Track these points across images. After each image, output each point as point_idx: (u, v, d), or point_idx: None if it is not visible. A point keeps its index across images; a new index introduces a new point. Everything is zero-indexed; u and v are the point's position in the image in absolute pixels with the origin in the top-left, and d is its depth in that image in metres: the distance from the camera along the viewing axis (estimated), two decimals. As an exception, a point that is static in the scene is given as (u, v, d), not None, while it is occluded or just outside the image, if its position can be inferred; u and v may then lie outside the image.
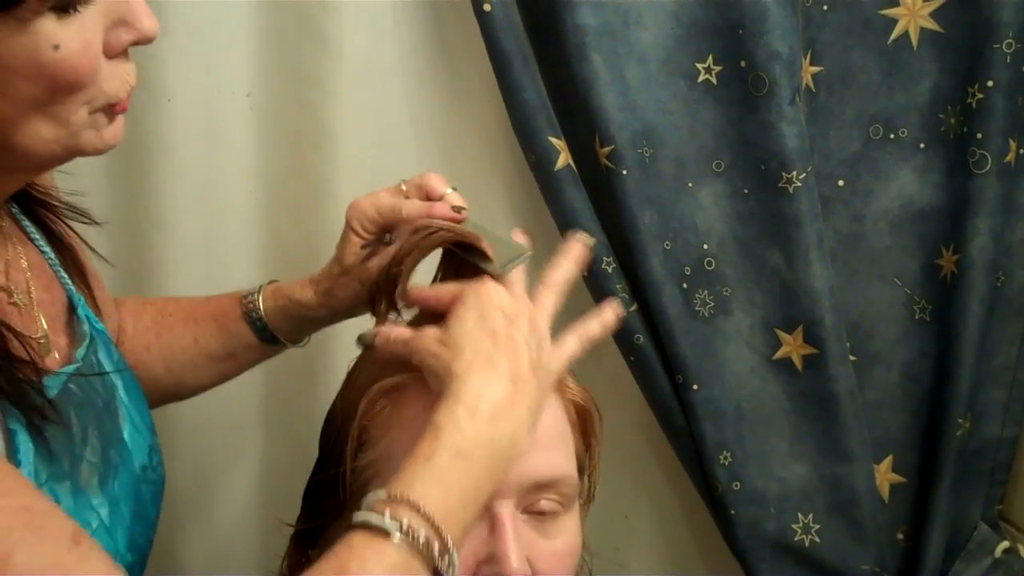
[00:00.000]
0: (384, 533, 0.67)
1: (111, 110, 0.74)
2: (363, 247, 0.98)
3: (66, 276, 0.88)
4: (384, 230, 0.98)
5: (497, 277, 0.86)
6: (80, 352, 0.86)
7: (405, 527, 0.68)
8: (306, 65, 1.23)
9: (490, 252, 0.87)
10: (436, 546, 0.69)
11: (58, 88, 0.68)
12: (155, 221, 1.25)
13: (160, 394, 1.06)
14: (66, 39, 0.66)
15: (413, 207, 0.94)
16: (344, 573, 0.66)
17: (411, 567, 0.68)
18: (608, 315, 0.91)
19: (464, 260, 0.89)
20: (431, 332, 0.82)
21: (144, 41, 0.73)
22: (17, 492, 0.62)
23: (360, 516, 0.70)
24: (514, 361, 0.79)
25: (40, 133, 0.70)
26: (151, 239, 1.26)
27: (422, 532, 0.68)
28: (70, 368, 0.83)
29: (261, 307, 1.04)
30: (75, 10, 0.66)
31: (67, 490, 0.77)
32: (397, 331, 0.86)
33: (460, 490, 0.73)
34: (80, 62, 0.68)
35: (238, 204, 1.27)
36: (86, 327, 0.89)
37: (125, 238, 1.26)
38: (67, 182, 1.19)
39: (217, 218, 1.27)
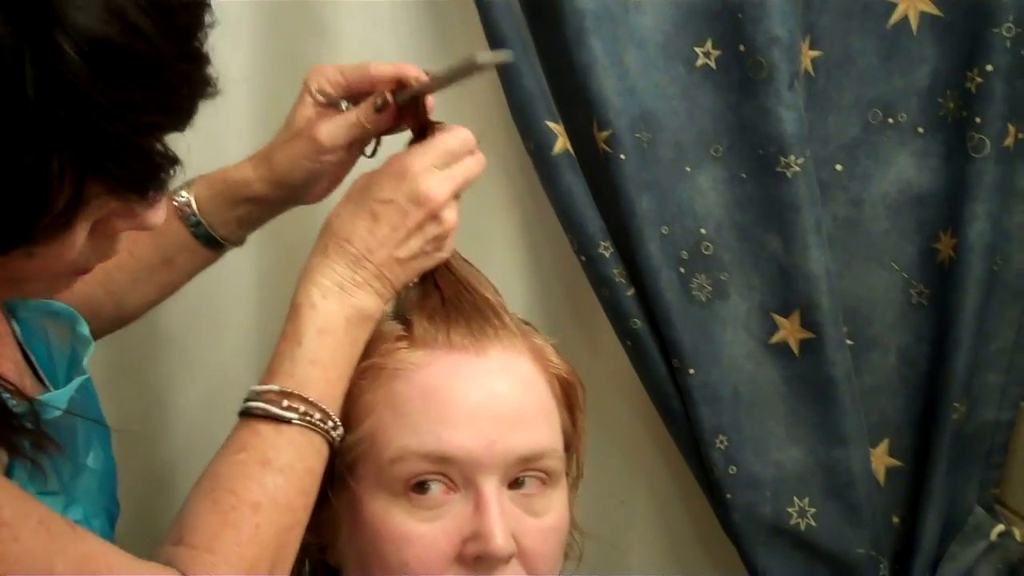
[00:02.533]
0: (285, 420, 0.80)
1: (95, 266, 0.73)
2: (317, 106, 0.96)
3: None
4: (347, 94, 0.95)
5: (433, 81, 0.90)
6: (84, 362, 0.86)
7: (301, 412, 0.80)
8: (303, 52, 1.22)
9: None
10: (328, 422, 0.82)
11: (35, 279, 0.68)
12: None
13: (103, 321, 0.99)
14: (40, 251, 0.63)
15: (382, 65, 0.93)
16: (268, 465, 0.78)
17: (312, 441, 0.81)
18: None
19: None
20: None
21: (142, 230, 0.71)
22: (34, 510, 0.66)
23: (259, 407, 0.81)
24: (383, 246, 0.86)
25: (31, 293, 0.76)
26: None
27: (316, 413, 0.81)
28: (80, 379, 0.83)
29: (192, 199, 0.97)
30: (68, 230, 0.63)
31: (60, 502, 0.78)
32: None
33: (332, 360, 0.83)
34: (58, 264, 0.66)
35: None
36: (84, 329, 0.88)
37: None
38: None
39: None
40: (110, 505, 0.89)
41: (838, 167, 1.25)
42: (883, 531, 1.31)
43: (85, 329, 0.88)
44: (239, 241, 1.03)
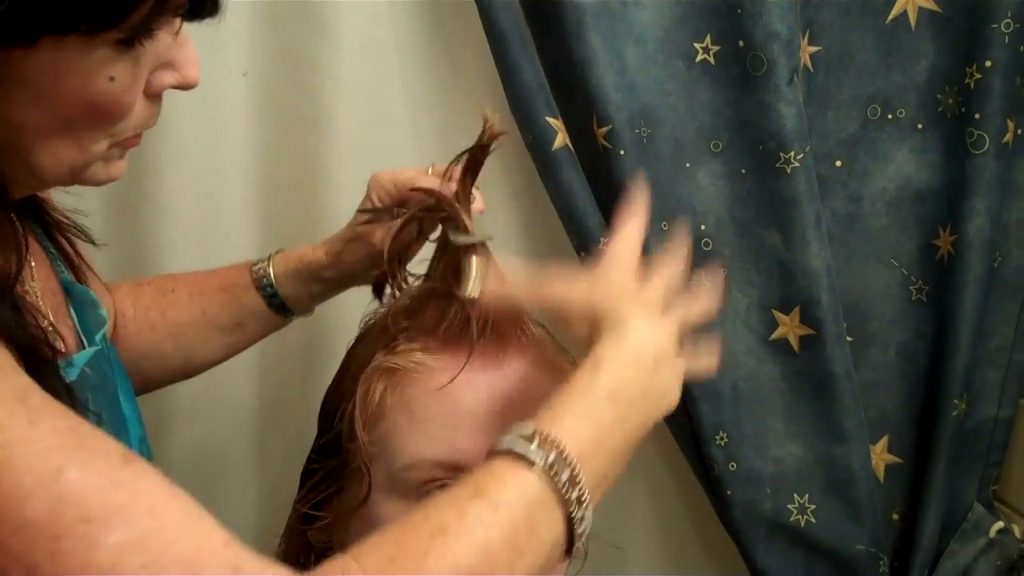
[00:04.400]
0: (527, 462, 0.66)
1: (126, 144, 0.74)
2: (367, 212, 1.00)
3: (63, 267, 0.88)
4: (399, 203, 0.99)
5: (473, 245, 0.86)
6: (98, 336, 0.86)
7: (550, 461, 0.66)
8: (302, 46, 1.22)
9: (469, 223, 0.88)
10: (574, 491, 0.67)
11: (97, 117, 0.68)
12: (152, 202, 1.25)
13: (168, 372, 1.07)
14: (120, 73, 0.66)
15: (428, 179, 0.95)
16: (481, 496, 0.65)
17: (547, 501, 0.67)
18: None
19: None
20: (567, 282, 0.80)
21: (184, 87, 0.73)
22: (62, 415, 0.60)
23: (505, 443, 0.68)
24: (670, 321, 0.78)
25: (59, 153, 0.69)
26: (148, 220, 1.26)
27: (565, 472, 0.67)
28: (90, 352, 0.83)
29: (272, 273, 1.05)
30: (138, 45, 0.66)
31: None
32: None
33: (609, 432, 0.71)
34: (125, 97, 0.68)
35: (234, 185, 1.27)
36: (102, 311, 0.88)
37: (121, 219, 1.25)
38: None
39: (213, 199, 1.27)
40: None
41: (837, 163, 1.25)
42: (883, 528, 1.31)
43: (103, 311, 0.90)
44: (308, 312, 1.10)
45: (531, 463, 0.66)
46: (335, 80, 1.23)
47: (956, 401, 1.26)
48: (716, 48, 1.19)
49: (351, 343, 0.95)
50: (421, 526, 0.64)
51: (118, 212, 1.25)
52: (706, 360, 0.87)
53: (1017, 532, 1.33)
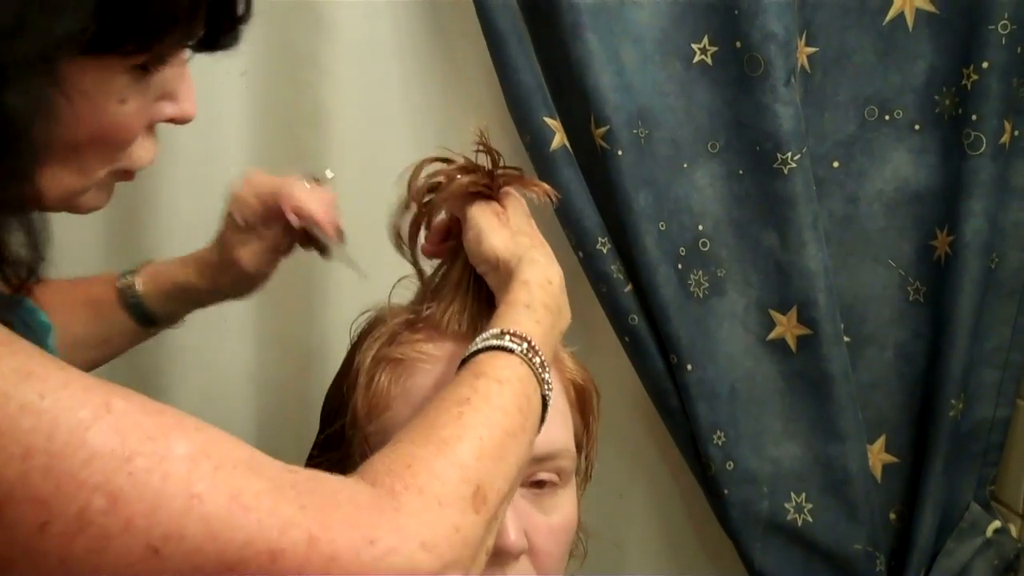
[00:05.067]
0: (508, 351, 0.78)
1: (120, 176, 0.74)
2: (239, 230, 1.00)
3: None
4: (264, 219, 0.99)
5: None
6: (49, 341, 0.86)
7: (525, 348, 0.79)
8: (301, 44, 1.23)
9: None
10: (544, 368, 0.80)
11: (105, 142, 0.68)
12: (150, 201, 1.25)
13: None
14: (132, 98, 0.67)
15: (300, 193, 0.98)
16: (484, 376, 0.76)
17: (530, 377, 0.78)
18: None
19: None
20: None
21: (180, 122, 0.74)
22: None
23: (483, 343, 0.79)
24: (544, 247, 0.92)
25: (62, 179, 0.69)
26: (145, 219, 1.26)
27: (537, 357, 0.79)
28: None
29: (140, 291, 1.03)
30: (153, 70, 0.67)
31: None
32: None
33: (545, 332, 0.83)
34: (134, 122, 0.68)
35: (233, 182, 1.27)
36: (42, 317, 0.88)
37: (118, 218, 1.25)
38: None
39: (211, 198, 1.26)
40: None
41: (835, 164, 1.26)
42: (880, 527, 1.31)
43: (43, 316, 0.89)
44: (177, 325, 1.08)
45: (511, 351, 0.78)
46: (333, 79, 1.24)
47: (953, 401, 1.26)
48: (713, 49, 1.19)
49: (354, 338, 0.96)
50: (444, 404, 0.73)
51: (116, 211, 1.24)
52: None
53: (1014, 532, 1.34)
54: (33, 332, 0.85)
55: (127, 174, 0.74)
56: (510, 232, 0.90)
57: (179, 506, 0.55)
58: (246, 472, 0.59)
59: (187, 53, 0.70)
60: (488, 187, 0.93)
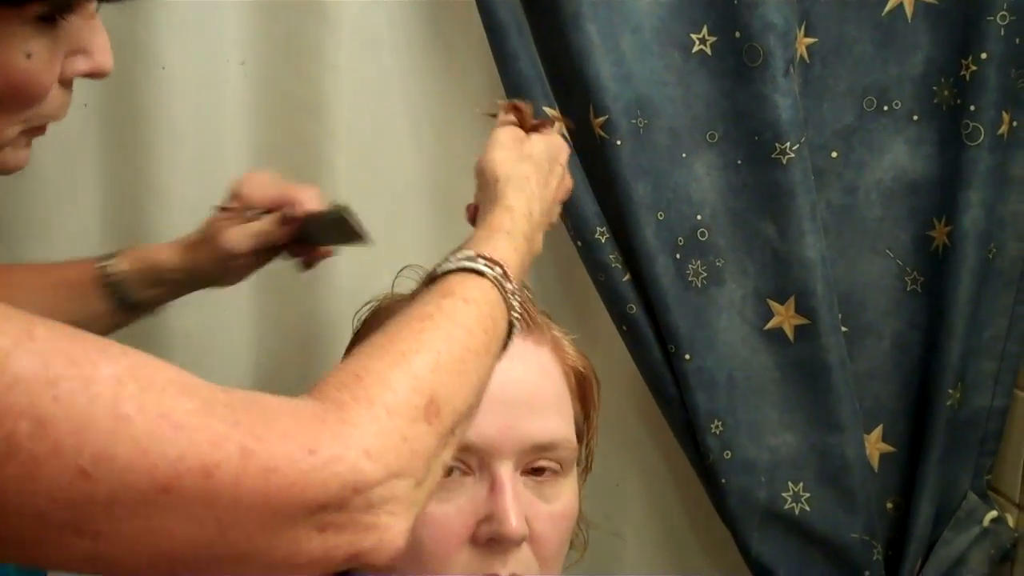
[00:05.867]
0: (479, 273, 0.77)
1: (34, 132, 0.73)
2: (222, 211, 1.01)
3: None
4: (270, 207, 1.00)
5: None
6: None
7: (499, 273, 0.78)
8: (300, 34, 1.22)
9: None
10: (514, 295, 0.79)
11: (13, 98, 0.67)
12: (150, 189, 1.25)
13: None
14: (38, 50, 0.66)
15: (287, 187, 1.01)
16: (452, 295, 0.75)
17: (499, 302, 0.77)
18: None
19: None
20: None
21: (96, 75, 0.72)
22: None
23: (454, 263, 0.78)
24: (545, 188, 0.93)
25: None
26: (146, 207, 1.26)
27: (509, 283, 0.79)
28: None
29: (117, 272, 1.02)
30: (58, 20, 0.66)
31: None
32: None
33: (521, 261, 0.84)
34: (44, 76, 0.67)
35: (233, 172, 1.26)
36: None
37: (120, 205, 1.26)
38: (61, 151, 1.20)
39: (212, 186, 1.26)
40: None
41: (833, 154, 1.26)
42: (877, 516, 1.32)
43: None
44: (155, 312, 1.07)
45: (483, 274, 0.77)
46: (333, 68, 1.23)
47: (950, 391, 1.26)
48: (712, 39, 1.19)
49: (356, 328, 0.96)
50: (405, 319, 0.71)
51: (117, 199, 1.25)
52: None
53: (1011, 521, 1.34)
54: None
55: (39, 129, 0.73)
56: (516, 154, 0.92)
57: (107, 427, 0.55)
58: (176, 392, 0.58)
59: (94, 5, 0.69)
60: (523, 121, 0.96)
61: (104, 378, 0.56)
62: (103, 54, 0.72)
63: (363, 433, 0.61)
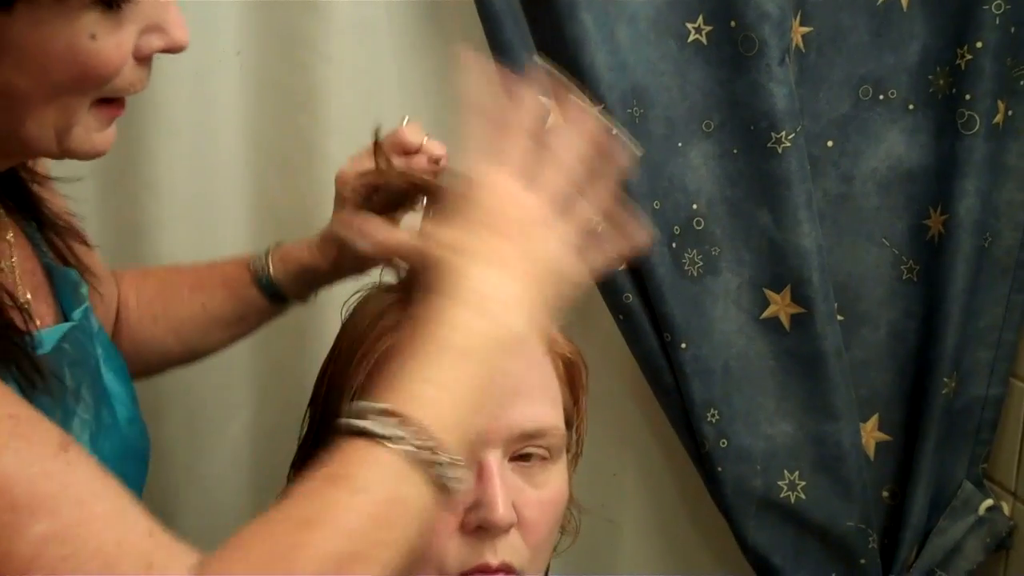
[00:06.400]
0: (385, 441, 0.63)
1: (108, 106, 0.74)
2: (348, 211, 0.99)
3: (45, 248, 0.89)
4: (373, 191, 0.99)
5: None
6: (78, 313, 0.87)
7: (409, 436, 0.63)
8: (296, 25, 1.23)
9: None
10: (442, 457, 0.64)
11: (83, 79, 0.69)
12: (144, 180, 1.25)
13: (170, 360, 1.10)
14: (103, 31, 0.67)
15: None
16: (339, 482, 0.63)
17: (412, 475, 0.64)
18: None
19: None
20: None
21: (173, 50, 0.74)
22: (2, 401, 0.62)
23: (357, 423, 0.65)
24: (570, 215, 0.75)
25: (45, 119, 0.70)
26: (140, 198, 1.26)
27: (428, 444, 0.64)
28: (66, 325, 0.84)
29: (271, 271, 1.06)
30: (118, 7, 0.67)
31: None
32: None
33: (470, 388, 0.68)
34: (113, 56, 0.68)
35: (227, 163, 1.28)
36: (83, 289, 0.89)
37: (114, 197, 1.26)
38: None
39: (207, 177, 1.27)
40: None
41: (829, 143, 1.26)
42: (872, 505, 1.32)
43: (85, 290, 0.91)
44: (307, 299, 1.10)
45: (390, 441, 0.63)
46: (328, 59, 1.24)
47: (946, 380, 1.27)
48: (708, 28, 1.19)
49: (345, 317, 0.96)
50: (284, 523, 0.62)
51: (111, 190, 1.25)
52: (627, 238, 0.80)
53: (1006, 509, 1.35)
54: (75, 302, 0.88)
55: (119, 108, 0.75)
56: (523, 181, 0.76)
57: None
58: (97, 568, 0.58)
59: None
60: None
61: (31, 535, 0.56)
62: (178, 29, 0.73)
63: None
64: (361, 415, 0.64)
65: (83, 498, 0.59)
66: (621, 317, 1.26)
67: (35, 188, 0.88)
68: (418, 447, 0.63)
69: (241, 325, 1.10)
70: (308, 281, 1.07)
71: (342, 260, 1.03)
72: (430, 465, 0.64)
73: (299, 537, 0.60)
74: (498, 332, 0.69)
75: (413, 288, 0.91)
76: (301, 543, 0.60)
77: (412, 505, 0.64)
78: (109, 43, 0.68)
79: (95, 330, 0.90)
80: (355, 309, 0.96)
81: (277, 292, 1.07)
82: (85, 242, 0.93)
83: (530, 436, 0.87)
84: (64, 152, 0.73)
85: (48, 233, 0.88)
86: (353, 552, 0.61)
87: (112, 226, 1.24)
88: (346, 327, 0.94)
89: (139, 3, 0.68)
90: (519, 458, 0.88)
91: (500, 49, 1.16)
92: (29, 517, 0.56)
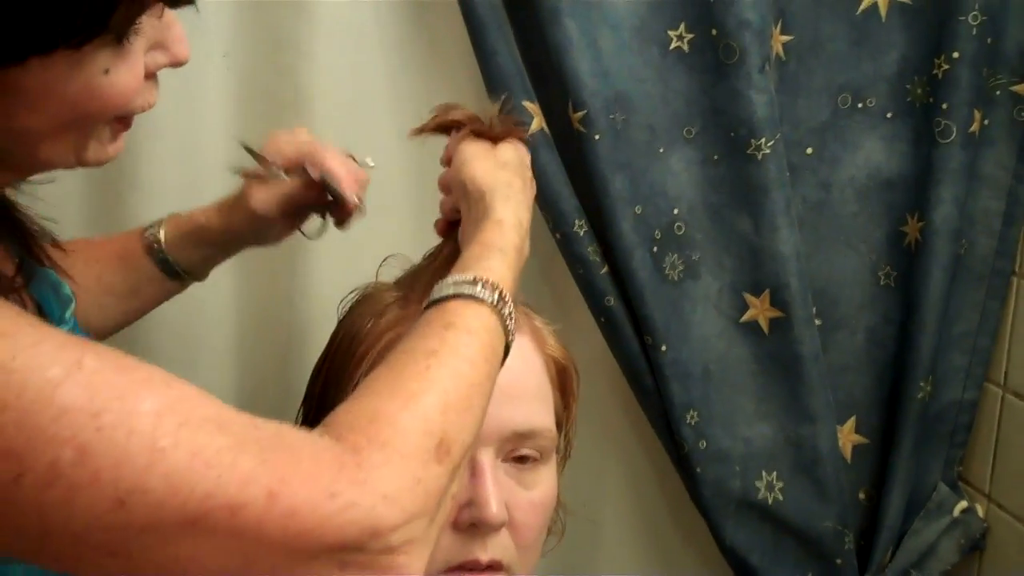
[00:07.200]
0: (478, 300, 0.79)
1: (121, 123, 0.75)
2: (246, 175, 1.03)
3: (19, 249, 0.89)
4: (288, 165, 1.02)
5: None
6: (67, 314, 0.88)
7: (496, 298, 0.80)
8: (282, 27, 1.23)
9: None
10: (511, 318, 0.81)
11: (104, 110, 0.70)
12: (130, 181, 1.26)
13: None
14: (115, 64, 0.68)
15: (334, 159, 1.01)
16: (453, 327, 0.76)
17: (497, 329, 0.79)
18: None
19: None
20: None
21: (176, 65, 0.75)
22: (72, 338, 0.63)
23: (452, 289, 0.80)
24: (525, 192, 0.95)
25: (64, 145, 0.71)
26: (126, 200, 1.26)
27: (507, 307, 0.81)
28: (64, 328, 0.84)
29: (162, 238, 1.05)
30: (128, 41, 0.68)
31: None
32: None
33: (515, 277, 0.85)
34: (129, 85, 0.69)
35: (214, 165, 1.27)
36: (65, 290, 0.90)
37: (100, 199, 1.26)
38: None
39: (193, 179, 1.27)
40: None
41: (808, 150, 1.27)
42: (849, 506, 1.34)
43: (67, 289, 0.91)
44: (202, 276, 1.10)
45: (482, 301, 0.79)
46: (315, 62, 1.24)
47: (922, 384, 1.28)
48: (690, 36, 1.20)
49: (341, 316, 0.97)
50: (412, 356, 0.73)
51: (98, 192, 1.25)
52: None
53: (980, 511, 1.36)
54: (59, 304, 0.88)
55: (126, 123, 0.76)
56: (494, 163, 0.93)
57: (143, 461, 0.57)
58: (211, 429, 0.60)
59: (160, 7, 0.70)
60: (487, 132, 0.97)
61: (144, 412, 0.59)
62: (179, 45, 0.74)
63: (379, 478, 0.64)
64: (457, 285, 0.80)
65: (169, 381, 0.62)
66: (603, 320, 1.27)
67: (7, 192, 0.89)
68: (503, 308, 0.80)
69: (134, 299, 1.07)
70: (199, 245, 1.06)
71: (234, 217, 1.03)
72: (508, 326, 0.80)
73: (429, 361, 0.72)
74: (525, 245, 0.90)
75: (412, 288, 0.93)
76: (432, 365, 0.72)
77: (500, 353, 0.80)
78: (122, 74, 0.68)
79: (79, 331, 0.91)
80: (352, 308, 0.97)
81: (168, 260, 1.05)
82: (58, 245, 0.93)
83: (523, 436, 0.89)
84: (80, 165, 0.74)
85: (24, 236, 0.89)
86: (472, 376, 0.74)
87: (98, 227, 1.25)
88: (344, 325, 0.95)
89: (142, 26, 0.69)
90: (512, 459, 0.89)
91: (485, 54, 1.17)
92: (136, 398, 0.59)
